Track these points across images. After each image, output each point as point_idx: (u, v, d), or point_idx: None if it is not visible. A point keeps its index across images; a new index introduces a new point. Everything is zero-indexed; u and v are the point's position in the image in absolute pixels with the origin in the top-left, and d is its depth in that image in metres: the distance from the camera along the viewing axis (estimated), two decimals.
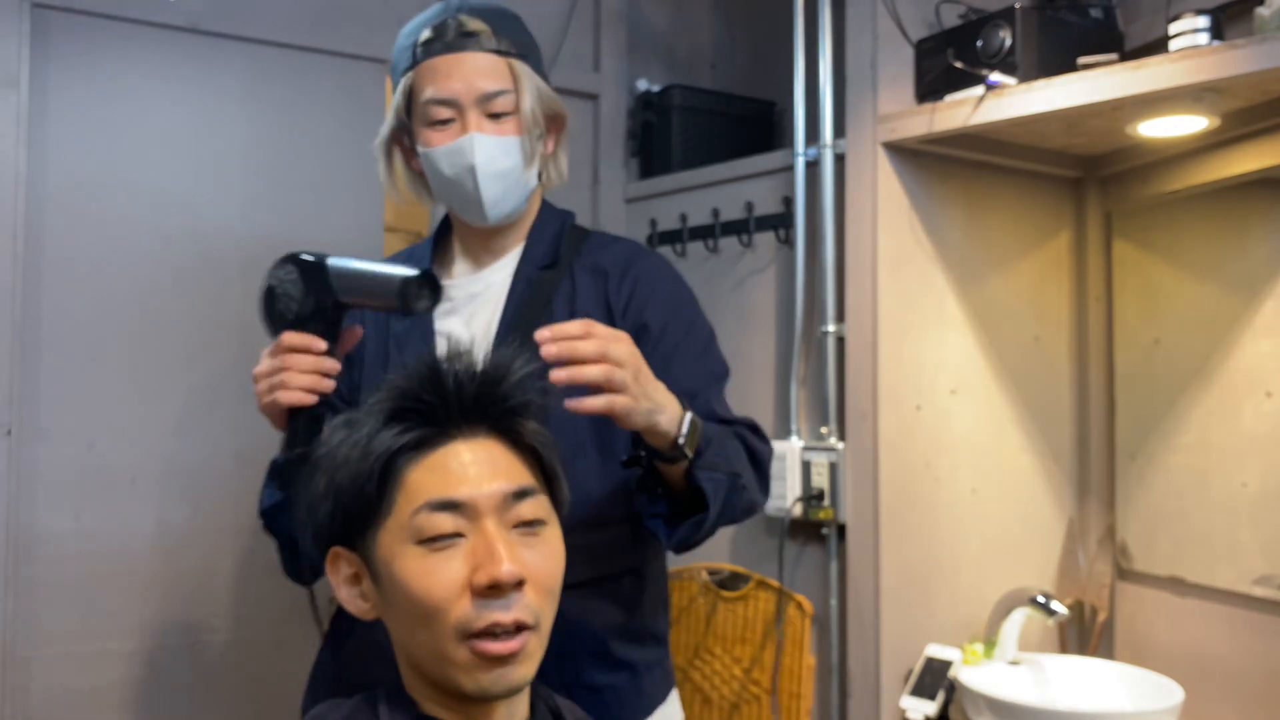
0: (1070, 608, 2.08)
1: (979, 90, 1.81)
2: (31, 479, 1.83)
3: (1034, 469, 2.17)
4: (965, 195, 2.09)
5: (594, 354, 1.09)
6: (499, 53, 1.38)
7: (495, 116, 1.37)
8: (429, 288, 1.20)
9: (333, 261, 1.25)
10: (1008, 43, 1.80)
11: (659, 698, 1.42)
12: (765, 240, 2.20)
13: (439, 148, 1.37)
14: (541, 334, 1.08)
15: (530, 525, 0.91)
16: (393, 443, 0.89)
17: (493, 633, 0.87)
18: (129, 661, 1.91)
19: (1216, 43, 1.58)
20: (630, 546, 1.38)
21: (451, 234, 1.50)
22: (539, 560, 0.90)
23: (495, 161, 1.36)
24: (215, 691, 1.98)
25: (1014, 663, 1.97)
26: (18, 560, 1.80)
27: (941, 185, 2.05)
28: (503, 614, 0.86)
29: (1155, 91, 1.60)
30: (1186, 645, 1.98)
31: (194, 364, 1.98)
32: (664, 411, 1.15)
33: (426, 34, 1.39)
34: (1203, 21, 1.60)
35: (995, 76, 1.79)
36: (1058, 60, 1.76)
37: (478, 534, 0.88)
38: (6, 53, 1.80)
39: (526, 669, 0.89)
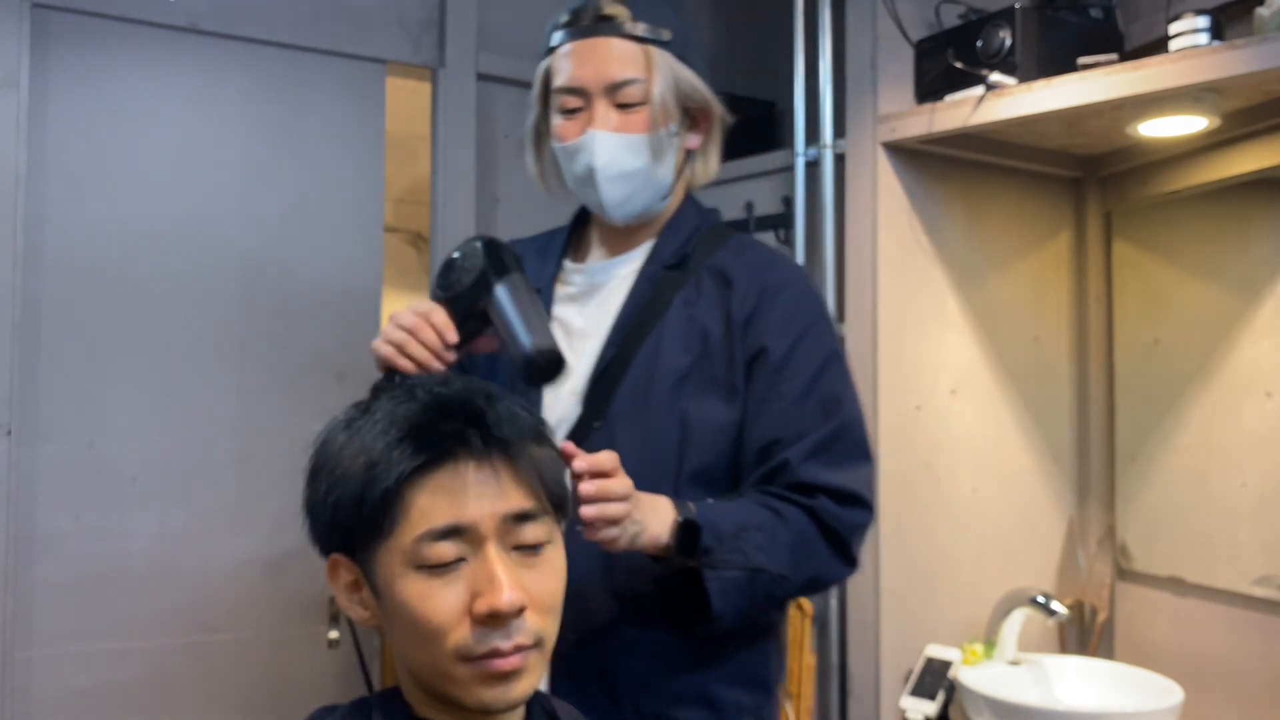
0: (1070, 608, 2.08)
1: (979, 90, 1.81)
2: (31, 479, 1.83)
3: (1034, 469, 2.17)
4: (965, 195, 2.09)
5: (622, 495, 1.09)
6: (635, 39, 1.29)
7: (625, 107, 1.29)
8: (544, 373, 1.18)
9: (501, 287, 1.21)
10: (1008, 43, 1.80)
11: None
12: (765, 240, 2.20)
13: (564, 145, 1.32)
14: (579, 465, 1.07)
15: (532, 547, 0.90)
16: (398, 470, 0.87)
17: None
18: (129, 661, 1.91)
19: (1216, 43, 1.58)
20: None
21: (591, 217, 1.44)
22: (540, 581, 0.89)
23: (618, 163, 1.29)
24: (215, 691, 1.98)
25: (1014, 663, 1.97)
26: (18, 560, 1.80)
27: (941, 185, 2.05)
28: (503, 641, 0.86)
29: (1155, 91, 1.60)
30: (1186, 645, 1.97)
31: (194, 364, 1.98)
32: (646, 532, 1.13)
33: (565, 17, 1.33)
34: (1203, 21, 1.60)
35: (995, 76, 1.79)
36: (1058, 60, 1.76)
37: (479, 559, 0.87)
38: (6, 53, 1.80)
39: (528, 684, 0.89)
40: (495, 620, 0.86)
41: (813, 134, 2.09)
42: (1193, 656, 1.95)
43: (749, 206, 2.22)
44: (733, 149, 2.36)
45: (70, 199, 1.89)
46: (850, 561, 1.29)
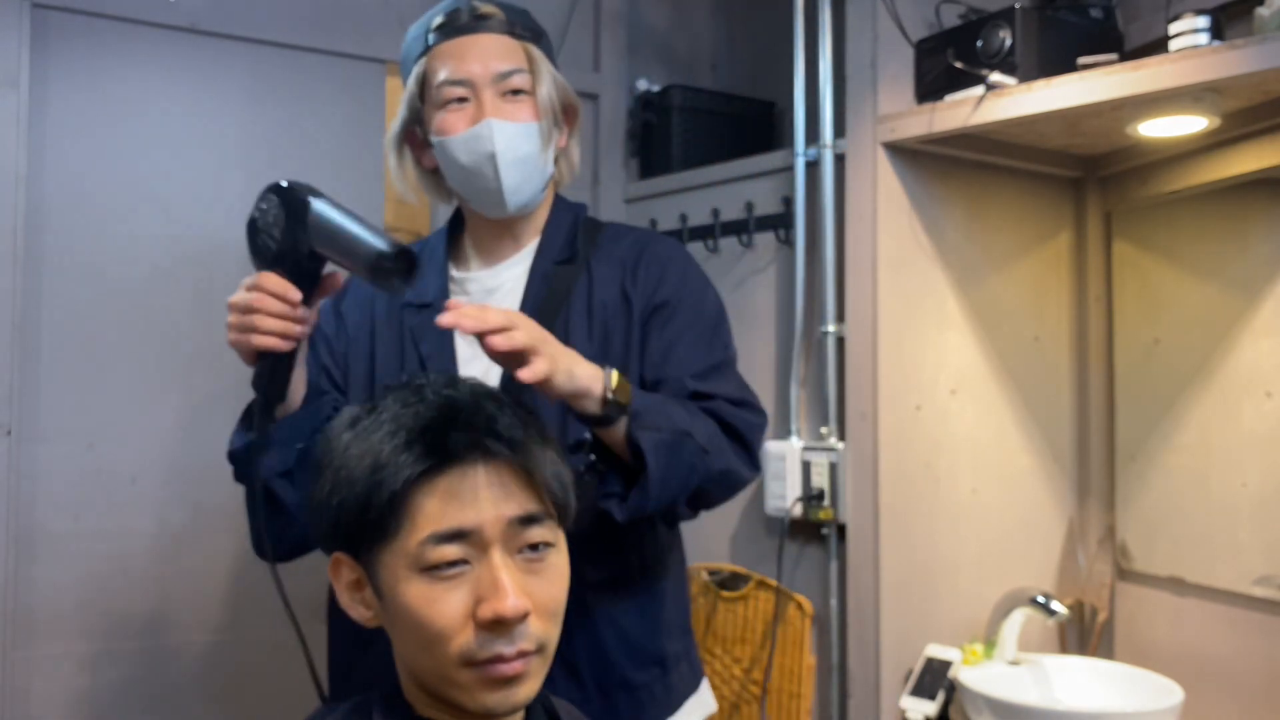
0: (1070, 608, 2.08)
1: (979, 90, 1.81)
2: (31, 479, 1.83)
3: (1034, 469, 2.17)
4: (965, 195, 2.09)
5: (503, 324, 1.12)
6: (514, 35, 1.37)
7: (511, 95, 1.35)
8: (403, 267, 1.13)
9: (317, 206, 1.16)
10: (1008, 43, 1.80)
11: (688, 690, 1.41)
12: (765, 240, 2.20)
13: (456, 135, 1.34)
14: (444, 319, 1.10)
15: (536, 549, 0.90)
16: (405, 474, 0.87)
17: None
18: (129, 661, 1.91)
19: (1216, 43, 1.58)
20: (648, 539, 1.39)
21: (464, 228, 1.48)
22: (544, 586, 0.90)
23: (515, 148, 1.34)
24: (215, 692, 1.98)
25: (1014, 663, 1.97)
26: (18, 560, 1.80)
27: (941, 185, 2.05)
28: (506, 647, 0.86)
29: (1155, 91, 1.60)
30: (1186, 645, 1.97)
31: (194, 364, 1.98)
32: (580, 366, 1.18)
33: (439, 20, 1.38)
34: (1203, 21, 1.60)
35: (995, 76, 1.79)
36: (1058, 60, 1.76)
37: (483, 563, 0.87)
38: (6, 53, 1.80)
39: (530, 688, 0.89)
40: (499, 626, 0.86)
41: (813, 134, 2.09)
42: (1193, 656, 1.95)
43: (749, 206, 2.22)
44: (733, 149, 2.39)
45: (70, 199, 1.89)
46: (754, 464, 1.36)
